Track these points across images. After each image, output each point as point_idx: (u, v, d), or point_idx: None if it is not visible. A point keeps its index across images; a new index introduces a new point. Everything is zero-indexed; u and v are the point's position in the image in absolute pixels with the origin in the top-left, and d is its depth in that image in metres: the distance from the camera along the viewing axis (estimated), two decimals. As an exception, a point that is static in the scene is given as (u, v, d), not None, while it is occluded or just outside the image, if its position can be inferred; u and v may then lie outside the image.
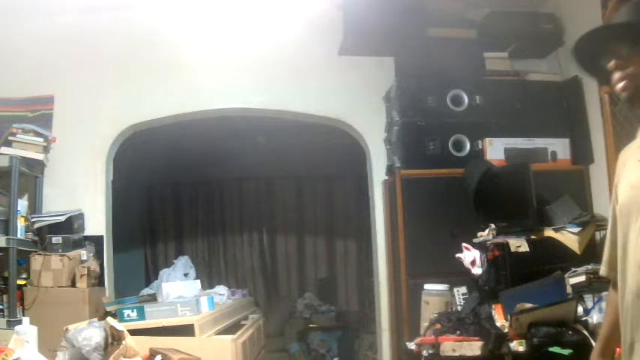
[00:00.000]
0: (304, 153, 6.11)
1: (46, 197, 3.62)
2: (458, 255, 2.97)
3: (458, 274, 3.02)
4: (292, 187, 7.11)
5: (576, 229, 2.85)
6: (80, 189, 3.68)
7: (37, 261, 3.33)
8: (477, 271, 2.88)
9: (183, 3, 3.84)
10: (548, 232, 2.90)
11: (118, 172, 3.93)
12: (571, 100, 3.44)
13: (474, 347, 2.52)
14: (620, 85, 1.40)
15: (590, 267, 2.66)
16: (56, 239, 3.41)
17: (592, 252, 2.86)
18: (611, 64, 1.40)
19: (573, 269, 2.72)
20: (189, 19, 3.86)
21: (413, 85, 3.46)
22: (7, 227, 3.21)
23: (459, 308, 2.97)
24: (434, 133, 3.39)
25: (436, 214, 3.25)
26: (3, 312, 3.19)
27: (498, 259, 2.78)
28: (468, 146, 3.39)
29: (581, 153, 3.35)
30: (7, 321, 3.10)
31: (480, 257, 2.88)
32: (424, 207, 3.28)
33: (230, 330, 3.58)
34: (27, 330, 2.71)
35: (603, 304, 2.45)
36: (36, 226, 3.44)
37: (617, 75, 1.40)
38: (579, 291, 2.62)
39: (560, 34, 3.61)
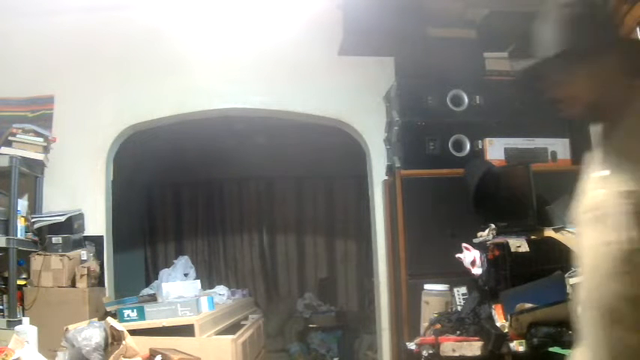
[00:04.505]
0: (304, 153, 6.11)
1: (46, 197, 3.62)
2: (458, 255, 2.97)
3: (458, 274, 3.02)
4: (292, 187, 7.11)
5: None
6: (80, 189, 3.68)
7: (37, 261, 3.33)
8: (477, 271, 2.88)
9: (184, 3, 3.84)
10: (548, 232, 2.89)
11: (118, 172, 3.93)
12: (571, 100, 3.43)
13: (474, 347, 2.52)
14: (569, 111, 1.41)
15: (590, 267, 2.65)
16: (56, 239, 3.41)
17: (592, 252, 2.85)
18: (554, 95, 1.39)
19: (573, 269, 2.72)
20: (189, 18, 3.86)
21: (413, 85, 3.46)
22: (7, 227, 3.20)
23: (459, 308, 2.97)
24: (434, 133, 3.39)
25: (436, 214, 3.25)
26: (3, 312, 3.19)
27: (498, 259, 2.78)
28: (468, 146, 3.39)
29: (581, 153, 3.33)
30: (7, 321, 3.10)
31: (480, 257, 2.88)
32: (424, 207, 3.28)
33: (230, 330, 3.57)
34: (27, 330, 2.71)
35: (603, 304, 2.45)
36: (36, 226, 3.44)
37: (561, 104, 1.41)
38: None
39: (560, 34, 3.60)
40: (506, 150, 3.35)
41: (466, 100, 3.45)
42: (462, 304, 3.00)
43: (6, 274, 3.21)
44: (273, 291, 7.03)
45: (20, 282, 3.28)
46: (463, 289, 3.05)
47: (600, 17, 1.33)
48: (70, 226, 3.48)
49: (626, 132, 1.32)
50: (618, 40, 1.36)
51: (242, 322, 4.20)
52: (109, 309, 3.34)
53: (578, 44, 1.31)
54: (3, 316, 3.16)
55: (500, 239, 2.84)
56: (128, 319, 3.09)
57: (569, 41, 1.32)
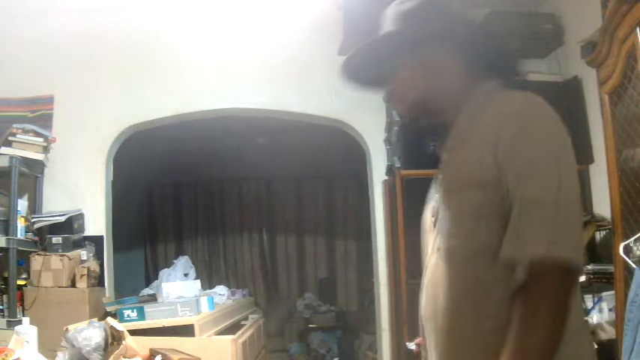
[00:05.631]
0: (304, 153, 6.11)
1: (46, 197, 3.62)
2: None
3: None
4: (292, 187, 7.12)
5: (576, 229, 2.84)
6: (80, 189, 3.68)
7: (37, 261, 3.33)
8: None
9: (184, 3, 3.84)
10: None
11: (118, 172, 3.93)
12: (571, 100, 3.43)
13: (474, 347, 2.52)
14: (400, 109, 1.34)
15: (590, 267, 2.66)
16: (56, 239, 3.41)
17: (592, 252, 2.86)
18: (386, 89, 1.33)
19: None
20: (189, 19, 3.86)
21: (413, 84, 3.45)
22: (7, 227, 3.20)
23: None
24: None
25: (436, 214, 3.24)
26: (3, 312, 3.19)
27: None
28: (468, 146, 3.39)
29: (581, 153, 3.34)
30: (7, 321, 3.10)
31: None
32: (424, 207, 3.27)
33: (230, 330, 3.58)
34: (27, 330, 2.71)
35: (603, 304, 2.46)
36: (36, 226, 3.44)
37: (393, 99, 1.34)
38: (579, 291, 2.62)
39: (560, 34, 3.60)
40: (506, 150, 3.34)
41: (466, 100, 3.44)
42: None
43: (6, 274, 3.21)
44: (273, 291, 7.04)
45: (20, 282, 3.28)
46: (463, 289, 3.05)
47: (435, 9, 1.27)
48: (70, 226, 3.48)
49: (459, 131, 1.27)
50: (457, 32, 1.27)
51: (242, 322, 4.20)
52: (109, 309, 3.34)
53: (407, 31, 1.25)
54: (3, 316, 3.16)
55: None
56: (128, 319, 3.10)
57: (399, 27, 1.27)
